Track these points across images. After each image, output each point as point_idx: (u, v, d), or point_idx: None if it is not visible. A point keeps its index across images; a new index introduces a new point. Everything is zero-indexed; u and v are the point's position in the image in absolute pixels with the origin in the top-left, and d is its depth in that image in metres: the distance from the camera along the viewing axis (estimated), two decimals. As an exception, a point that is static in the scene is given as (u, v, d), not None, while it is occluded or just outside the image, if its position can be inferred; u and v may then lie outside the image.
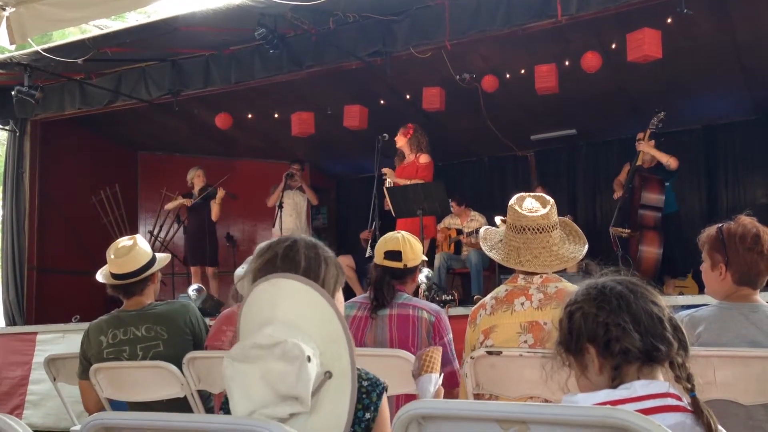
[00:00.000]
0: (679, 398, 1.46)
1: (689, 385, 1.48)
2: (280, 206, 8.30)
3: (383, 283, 3.12)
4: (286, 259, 1.72)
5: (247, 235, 9.87)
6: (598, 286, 1.59)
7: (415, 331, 3.00)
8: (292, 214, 8.55)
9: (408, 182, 6.78)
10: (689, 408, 1.45)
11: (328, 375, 1.50)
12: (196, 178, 8.38)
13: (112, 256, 3.33)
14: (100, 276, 3.41)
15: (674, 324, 1.54)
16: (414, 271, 3.24)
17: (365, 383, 1.67)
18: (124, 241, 3.40)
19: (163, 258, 3.51)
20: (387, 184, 6.74)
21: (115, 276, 3.34)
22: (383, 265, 3.18)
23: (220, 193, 8.15)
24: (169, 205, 8.55)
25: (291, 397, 1.44)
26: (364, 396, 1.66)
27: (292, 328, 1.50)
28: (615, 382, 1.50)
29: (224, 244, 8.88)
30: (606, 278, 1.62)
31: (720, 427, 1.42)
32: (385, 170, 6.87)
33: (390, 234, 3.28)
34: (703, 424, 1.41)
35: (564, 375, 1.65)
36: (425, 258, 3.41)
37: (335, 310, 1.54)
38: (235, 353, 1.49)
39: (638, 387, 1.47)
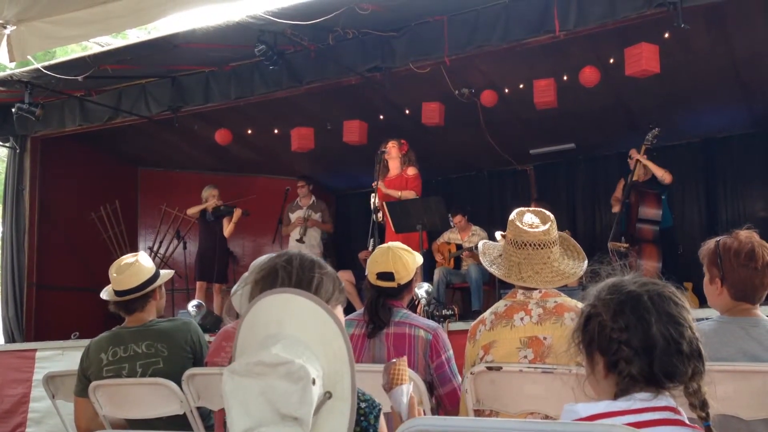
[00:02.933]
0: (679, 412, 1.45)
1: (703, 414, 1.45)
2: (280, 221, 8.35)
3: (377, 306, 3.06)
4: (281, 274, 1.72)
5: (248, 251, 9.86)
6: (622, 294, 1.52)
7: (412, 350, 2.96)
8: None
9: (398, 193, 6.80)
10: (689, 423, 1.44)
11: (328, 395, 1.47)
12: (210, 197, 8.43)
13: (114, 274, 3.34)
14: (104, 294, 3.42)
15: (694, 347, 1.48)
16: (409, 285, 3.18)
17: (363, 405, 1.66)
18: (126, 259, 3.41)
19: (165, 274, 3.52)
20: (373, 200, 6.73)
21: (117, 293, 3.35)
22: (377, 285, 3.12)
23: (237, 212, 8.24)
24: (191, 210, 8.57)
25: (291, 417, 1.41)
26: (362, 419, 1.64)
27: (299, 346, 1.47)
28: (617, 395, 1.49)
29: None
30: (634, 282, 1.55)
31: None
32: (374, 185, 6.88)
33: (380, 251, 3.18)
34: None
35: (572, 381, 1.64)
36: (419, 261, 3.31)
37: (342, 330, 1.51)
38: (237, 368, 1.45)
39: (638, 399, 1.45)
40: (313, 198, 8.75)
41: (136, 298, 3.35)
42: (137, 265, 3.36)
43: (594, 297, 1.57)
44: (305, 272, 1.73)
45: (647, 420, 1.41)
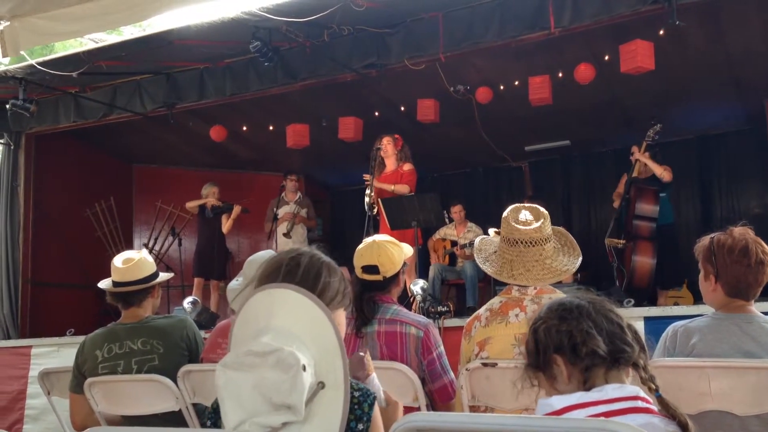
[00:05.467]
0: (648, 401, 1.52)
1: (654, 386, 1.55)
2: (276, 218, 8.33)
3: (362, 300, 3.02)
4: (286, 271, 1.75)
5: (243, 248, 9.86)
6: (558, 302, 1.69)
7: (404, 347, 2.93)
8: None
9: (392, 187, 6.79)
10: (657, 411, 1.51)
11: (321, 385, 1.49)
12: (210, 195, 8.44)
13: (118, 264, 3.38)
14: (103, 283, 3.44)
15: (633, 330, 1.64)
16: (396, 278, 3.13)
17: (356, 393, 1.68)
18: (130, 253, 3.47)
19: (165, 274, 3.58)
20: (367, 193, 6.76)
21: (116, 284, 3.37)
22: (362, 279, 3.08)
23: (236, 209, 8.25)
24: (190, 204, 8.58)
25: (284, 406, 1.44)
26: (356, 407, 1.66)
27: (289, 336, 1.50)
28: (586, 386, 1.56)
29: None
30: (571, 297, 1.71)
31: (692, 424, 1.49)
32: (366, 178, 6.89)
33: (365, 245, 3.14)
34: (676, 423, 1.48)
35: (536, 390, 1.71)
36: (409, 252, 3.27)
37: (331, 321, 1.54)
38: (228, 361, 1.49)
39: (610, 390, 1.53)
40: (299, 194, 8.74)
41: (137, 291, 3.38)
42: (141, 259, 3.42)
43: (536, 318, 1.70)
44: (312, 272, 1.76)
45: (619, 409, 1.48)
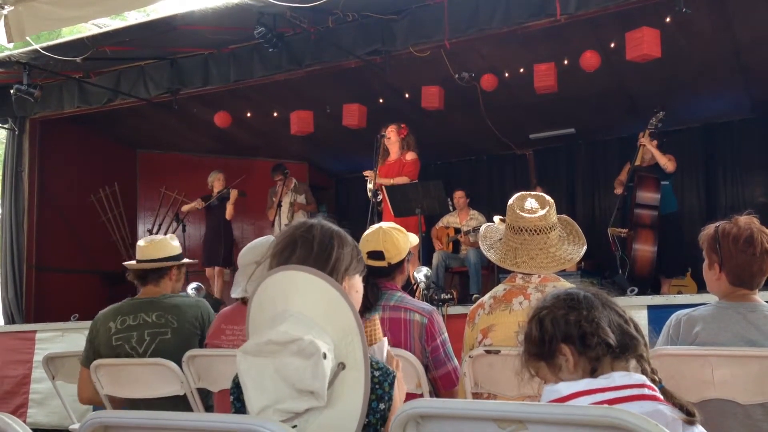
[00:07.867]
0: (654, 389, 1.53)
1: (657, 378, 1.58)
2: (279, 205, 8.34)
3: (366, 286, 3.03)
4: (302, 242, 1.74)
5: (246, 234, 9.87)
6: (564, 291, 1.69)
7: (408, 334, 2.93)
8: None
9: (391, 181, 6.78)
10: (661, 398, 1.52)
11: (341, 366, 1.51)
12: (216, 182, 8.53)
13: (140, 244, 3.50)
14: (128, 263, 3.55)
15: (635, 323, 1.66)
16: (400, 265, 3.13)
17: (377, 373, 1.67)
18: (157, 236, 3.59)
19: (187, 261, 3.66)
20: (369, 186, 6.76)
21: (138, 261, 3.47)
22: (367, 265, 3.08)
23: (233, 193, 8.28)
24: (185, 208, 8.68)
25: (307, 392, 1.46)
26: (377, 387, 1.65)
27: (307, 322, 1.52)
28: (595, 374, 1.57)
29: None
30: (570, 286, 1.75)
31: (697, 412, 1.50)
32: (367, 174, 6.88)
33: (371, 231, 3.15)
34: (682, 411, 1.50)
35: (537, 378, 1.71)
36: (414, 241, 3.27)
37: (347, 301, 1.55)
38: (249, 348, 1.50)
39: (617, 377, 1.54)
40: (295, 181, 8.73)
41: (154, 269, 3.46)
42: (164, 241, 3.51)
43: (539, 307, 1.70)
44: (325, 243, 1.75)
45: (626, 396, 1.50)
